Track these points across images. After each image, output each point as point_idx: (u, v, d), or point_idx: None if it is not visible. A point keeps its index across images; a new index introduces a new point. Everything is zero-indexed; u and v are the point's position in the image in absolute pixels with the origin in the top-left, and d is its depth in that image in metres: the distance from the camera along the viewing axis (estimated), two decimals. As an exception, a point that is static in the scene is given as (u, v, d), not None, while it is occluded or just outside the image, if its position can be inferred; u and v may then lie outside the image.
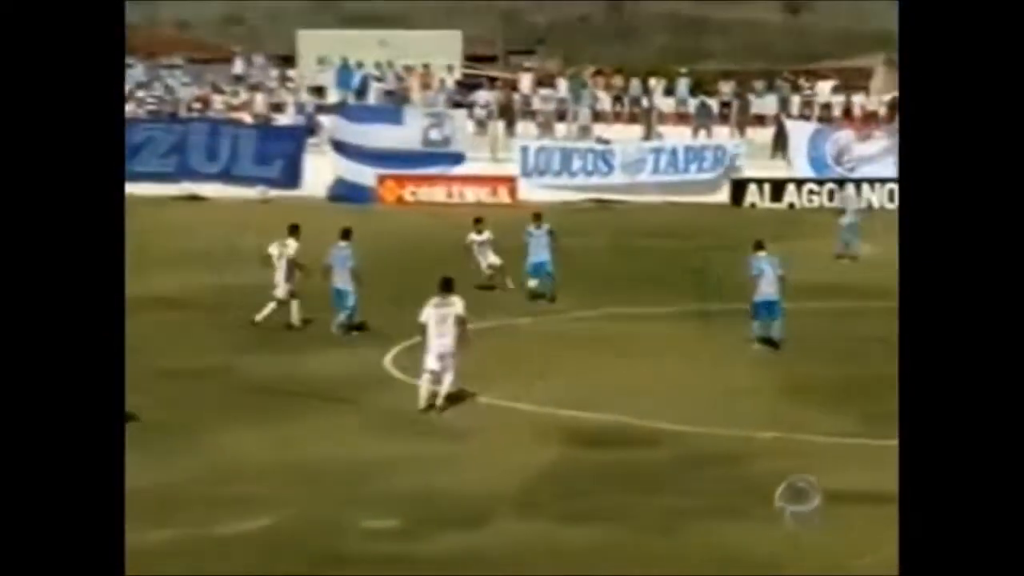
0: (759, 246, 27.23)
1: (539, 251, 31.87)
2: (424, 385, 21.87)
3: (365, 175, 50.50)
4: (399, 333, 26.81)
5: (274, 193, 49.73)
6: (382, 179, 50.62)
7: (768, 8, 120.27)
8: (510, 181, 50.63)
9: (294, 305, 27.94)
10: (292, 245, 28.33)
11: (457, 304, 22.08)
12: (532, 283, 31.64)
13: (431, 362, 21.83)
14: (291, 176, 50.57)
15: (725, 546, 15.64)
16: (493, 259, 32.51)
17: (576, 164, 51.13)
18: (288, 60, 59.70)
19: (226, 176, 50.65)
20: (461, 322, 21.96)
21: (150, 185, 49.08)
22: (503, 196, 50.21)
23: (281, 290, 28.06)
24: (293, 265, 28.11)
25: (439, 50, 58.07)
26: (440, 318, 21.92)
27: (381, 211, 48.24)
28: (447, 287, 22.34)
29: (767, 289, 26.39)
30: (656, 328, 28.32)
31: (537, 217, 32.83)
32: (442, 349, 21.82)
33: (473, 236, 32.76)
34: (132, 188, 49.57)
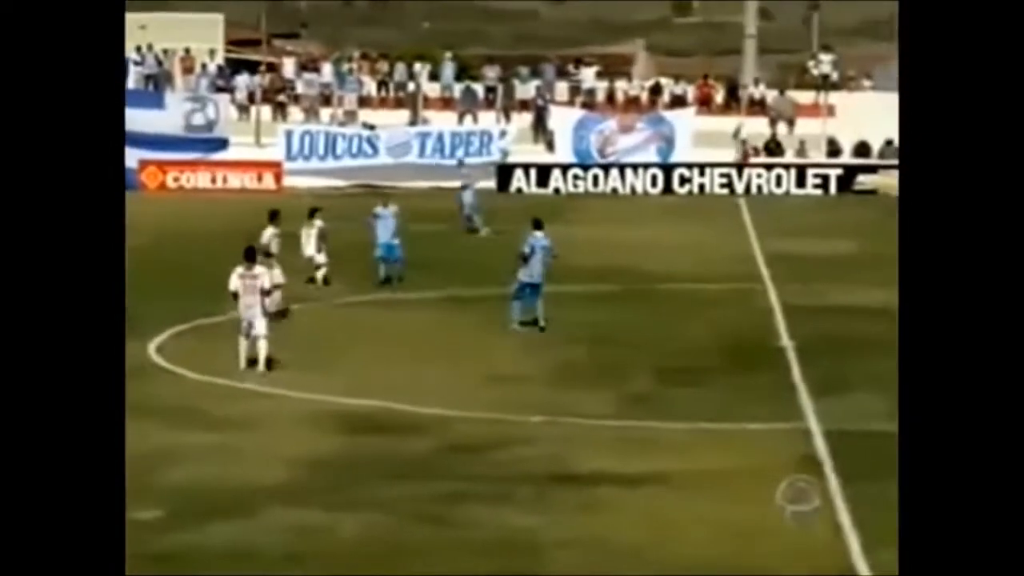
0: (537, 225, 27.19)
1: (387, 233, 31.48)
2: (242, 350, 23.02)
3: (126, 160, 49.55)
4: (162, 321, 26.44)
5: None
6: (143, 164, 49.74)
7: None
8: (276, 167, 50.24)
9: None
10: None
11: (262, 275, 23.15)
12: (383, 268, 31.25)
13: (245, 329, 22.99)
14: (48, 161, 49.38)
15: (493, 531, 15.72)
16: (320, 256, 30.88)
17: (340, 148, 50.93)
18: (44, 42, 58.36)
19: (-20, 161, 49.32)
20: (263, 292, 23.06)
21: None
22: (268, 182, 49.80)
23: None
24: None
25: (200, 34, 57.36)
26: (247, 288, 22.96)
27: (143, 198, 47.42)
28: (250, 257, 23.27)
29: (533, 270, 26.52)
30: (424, 314, 28.38)
31: (385, 197, 32.77)
32: (252, 316, 22.93)
33: (318, 224, 31.01)
34: None
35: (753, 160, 50.89)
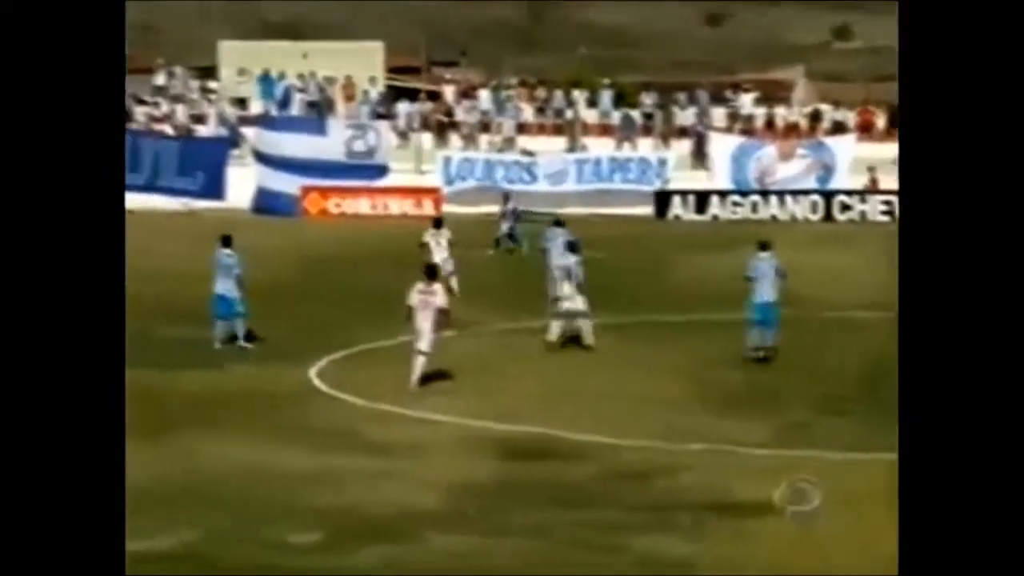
0: (763, 247, 26.98)
1: (559, 253, 31.95)
2: (417, 365, 23.62)
3: (288, 186, 50.33)
4: (323, 346, 26.72)
5: (198, 205, 49.47)
6: (305, 191, 50.46)
7: (688, 19, 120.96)
8: (435, 193, 50.63)
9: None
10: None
11: (438, 293, 23.85)
12: (557, 288, 31.83)
13: (423, 345, 23.66)
14: (214, 188, 50.27)
15: (649, 559, 15.68)
16: (448, 264, 32.79)
17: (499, 175, 51.20)
18: (209, 71, 59.40)
19: (149, 188, 50.26)
20: (439, 311, 23.67)
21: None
22: (428, 208, 50.14)
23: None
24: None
25: (361, 61, 58.02)
26: (423, 304, 23.66)
27: (304, 224, 48.14)
28: (431, 275, 24.10)
29: (764, 291, 26.22)
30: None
31: (559, 224, 33.32)
32: (426, 332, 23.67)
33: (446, 233, 33.51)
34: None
35: (882, 187, 50.17)
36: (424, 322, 23.72)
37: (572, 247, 28.46)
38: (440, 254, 33.10)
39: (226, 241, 27.81)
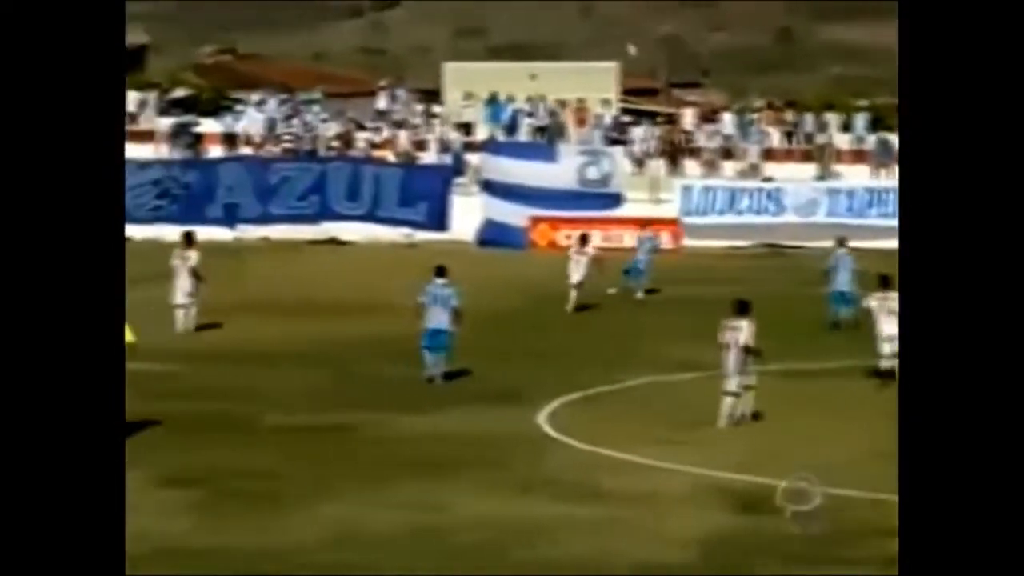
0: None
1: (844, 277, 33.81)
2: (724, 406, 24.11)
3: (516, 217, 50.54)
4: (553, 389, 26.71)
5: (420, 236, 49.98)
6: (535, 221, 50.65)
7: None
8: (673, 224, 50.32)
9: None
10: None
11: (744, 329, 24.10)
12: (835, 311, 33.76)
13: (730, 385, 24.10)
14: (437, 218, 50.80)
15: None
16: (577, 277, 36.54)
17: (743, 205, 50.80)
18: (433, 94, 59.94)
19: (369, 218, 50.95)
20: (745, 349, 24.00)
21: (287, 227, 49.64)
22: (665, 241, 49.89)
23: None
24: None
25: (594, 83, 58.07)
26: (733, 341, 24.09)
27: (533, 257, 48.27)
28: (742, 310, 24.38)
29: None
30: (829, 385, 27.92)
31: (841, 243, 35.43)
32: (736, 370, 24.10)
33: (589, 250, 37.53)
34: (268, 231, 50.56)
35: None
36: (730, 361, 24.03)
37: (885, 282, 28.02)
38: (578, 272, 36.34)
39: (440, 272, 27.97)
